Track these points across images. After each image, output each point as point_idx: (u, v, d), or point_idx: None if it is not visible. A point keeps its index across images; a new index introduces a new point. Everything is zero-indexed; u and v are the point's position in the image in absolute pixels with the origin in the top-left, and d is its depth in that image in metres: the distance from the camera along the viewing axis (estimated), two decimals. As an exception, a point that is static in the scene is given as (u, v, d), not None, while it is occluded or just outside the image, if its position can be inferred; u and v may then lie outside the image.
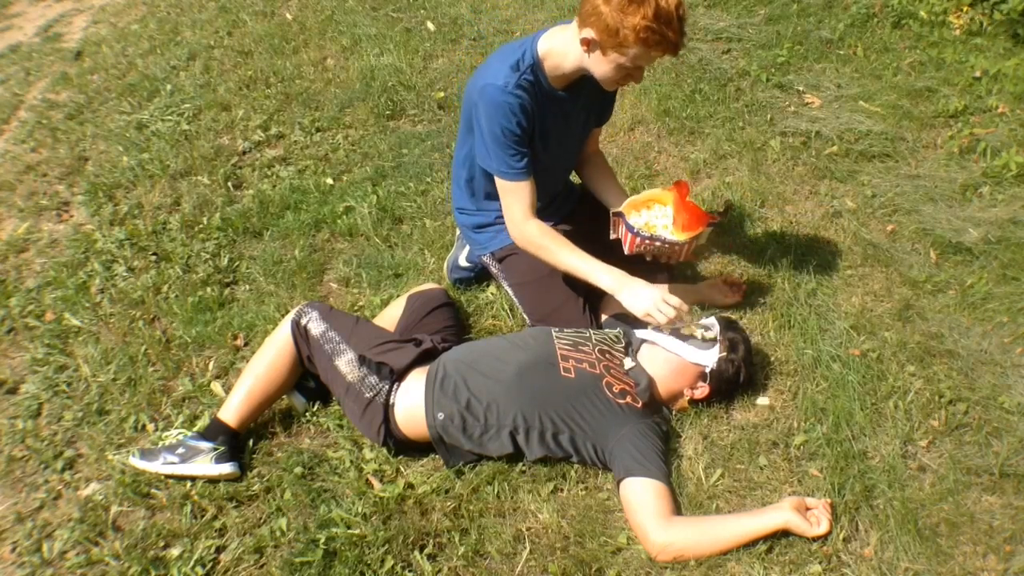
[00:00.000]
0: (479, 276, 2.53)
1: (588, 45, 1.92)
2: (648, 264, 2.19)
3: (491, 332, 2.37)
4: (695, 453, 1.95)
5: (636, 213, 2.15)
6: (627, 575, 1.71)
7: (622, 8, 1.81)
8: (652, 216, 2.14)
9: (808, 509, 1.75)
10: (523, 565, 1.75)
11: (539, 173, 2.16)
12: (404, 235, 2.82)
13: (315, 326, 2.03)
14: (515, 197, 2.10)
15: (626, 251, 2.14)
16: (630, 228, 2.09)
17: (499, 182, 2.11)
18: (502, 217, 2.28)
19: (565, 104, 2.12)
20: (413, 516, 1.85)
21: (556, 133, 2.15)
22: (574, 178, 2.53)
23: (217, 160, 3.39)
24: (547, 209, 2.38)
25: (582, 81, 2.08)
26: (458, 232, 2.59)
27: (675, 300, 1.99)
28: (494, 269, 2.39)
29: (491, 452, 1.91)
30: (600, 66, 1.95)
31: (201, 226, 2.98)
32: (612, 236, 2.18)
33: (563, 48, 2.01)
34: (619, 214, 2.15)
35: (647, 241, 2.08)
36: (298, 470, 1.97)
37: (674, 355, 2.00)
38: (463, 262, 2.53)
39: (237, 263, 2.81)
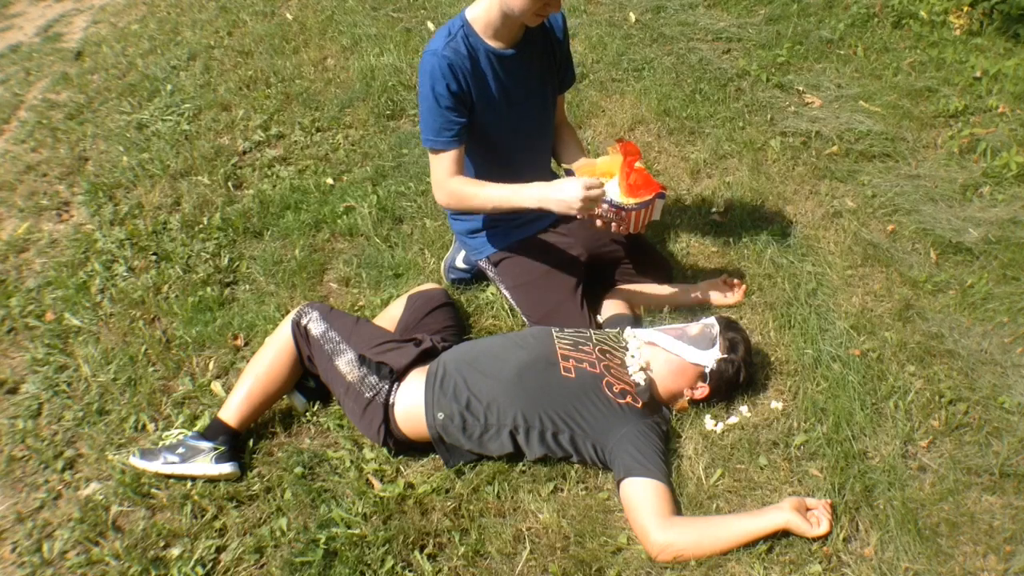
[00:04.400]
0: (476, 276, 2.52)
1: None
2: (601, 233, 2.15)
3: (491, 332, 2.37)
4: (695, 453, 1.95)
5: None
6: (627, 575, 1.71)
7: None
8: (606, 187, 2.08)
9: (808, 509, 1.75)
10: (523, 565, 1.75)
11: (502, 138, 2.16)
12: (404, 235, 2.82)
13: (315, 326, 2.03)
14: (441, 164, 2.12)
15: None
16: None
17: (429, 153, 2.13)
18: (494, 221, 2.28)
19: (513, 62, 2.11)
20: (413, 516, 1.85)
21: (509, 94, 2.14)
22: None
23: (217, 160, 3.39)
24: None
25: (529, 36, 2.08)
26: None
27: (595, 191, 1.95)
28: (490, 273, 2.39)
29: (491, 452, 1.91)
30: None
31: (201, 226, 2.98)
32: None
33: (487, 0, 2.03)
34: (570, 171, 2.14)
35: None
36: (298, 470, 1.97)
37: (674, 355, 2.00)
38: (460, 263, 2.53)
39: (237, 263, 2.81)
